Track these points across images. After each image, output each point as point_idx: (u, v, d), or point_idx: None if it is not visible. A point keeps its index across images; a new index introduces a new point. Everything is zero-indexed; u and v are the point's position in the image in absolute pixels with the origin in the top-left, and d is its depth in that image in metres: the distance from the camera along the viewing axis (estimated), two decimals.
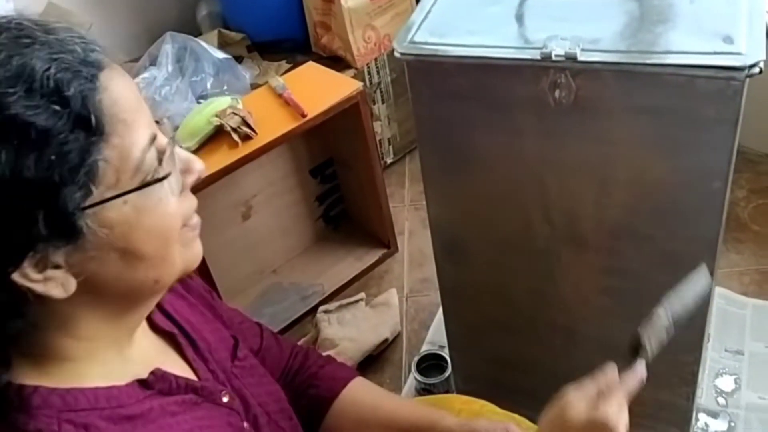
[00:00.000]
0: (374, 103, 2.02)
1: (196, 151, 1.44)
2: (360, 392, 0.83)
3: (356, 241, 1.91)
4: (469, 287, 1.12)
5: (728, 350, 1.39)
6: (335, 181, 1.92)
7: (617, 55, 0.79)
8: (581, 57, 0.80)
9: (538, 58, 0.81)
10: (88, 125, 0.49)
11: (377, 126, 2.04)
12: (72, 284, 0.51)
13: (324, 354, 0.88)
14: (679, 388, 1.03)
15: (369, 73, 1.97)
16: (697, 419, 1.29)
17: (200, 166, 0.62)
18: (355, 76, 1.89)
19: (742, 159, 1.88)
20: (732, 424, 1.27)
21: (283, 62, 1.98)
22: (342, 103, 1.57)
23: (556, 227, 0.96)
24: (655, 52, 0.78)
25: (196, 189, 1.49)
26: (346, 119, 1.64)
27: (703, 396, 1.32)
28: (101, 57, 0.52)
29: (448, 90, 0.90)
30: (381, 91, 2.02)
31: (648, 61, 0.77)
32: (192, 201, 0.63)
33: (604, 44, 0.81)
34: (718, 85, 0.76)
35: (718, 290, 1.52)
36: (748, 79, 0.74)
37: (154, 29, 2.09)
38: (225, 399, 0.66)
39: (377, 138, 2.04)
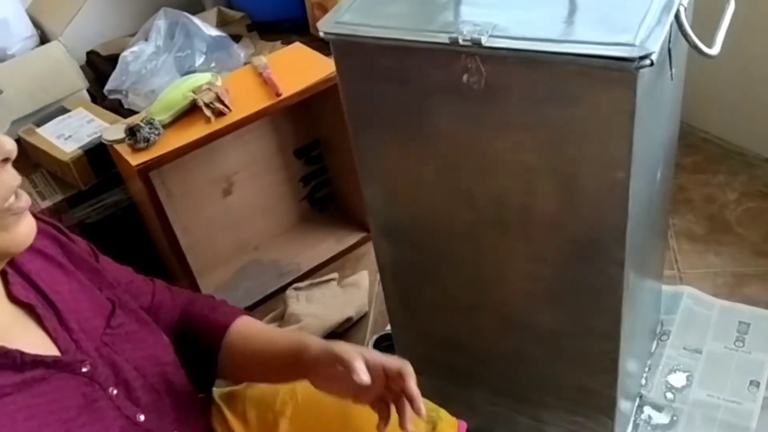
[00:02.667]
0: None
1: (169, 124, 1.52)
2: (241, 332, 0.89)
3: (339, 224, 1.97)
4: (405, 267, 1.17)
5: (687, 348, 1.41)
6: (321, 163, 1.98)
7: (521, 43, 0.82)
8: (486, 42, 0.83)
9: (447, 42, 0.85)
10: None
11: None
12: None
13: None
14: (601, 376, 1.07)
15: None
16: (641, 411, 1.31)
17: (9, 147, 0.61)
18: None
19: (740, 162, 1.89)
20: (675, 418, 1.29)
21: (279, 42, 2.05)
22: (318, 84, 1.62)
23: (479, 212, 1.00)
24: (556, 40, 0.81)
25: (164, 162, 1.56)
26: (330, 101, 1.70)
27: (652, 390, 1.34)
28: None
29: (371, 71, 0.95)
30: None
31: (546, 49, 0.81)
32: (8, 182, 0.61)
33: (513, 32, 0.84)
34: (612, 76, 0.79)
35: (688, 290, 1.53)
36: (642, 71, 0.77)
37: (158, 4, 2.17)
38: (85, 369, 0.69)
39: None
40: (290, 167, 1.93)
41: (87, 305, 0.74)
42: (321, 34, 0.94)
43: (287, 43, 2.05)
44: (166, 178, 1.67)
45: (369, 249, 1.91)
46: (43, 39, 1.83)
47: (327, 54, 1.89)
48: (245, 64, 1.94)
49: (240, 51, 1.97)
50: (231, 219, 1.86)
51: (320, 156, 1.97)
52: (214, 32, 1.90)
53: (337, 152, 1.91)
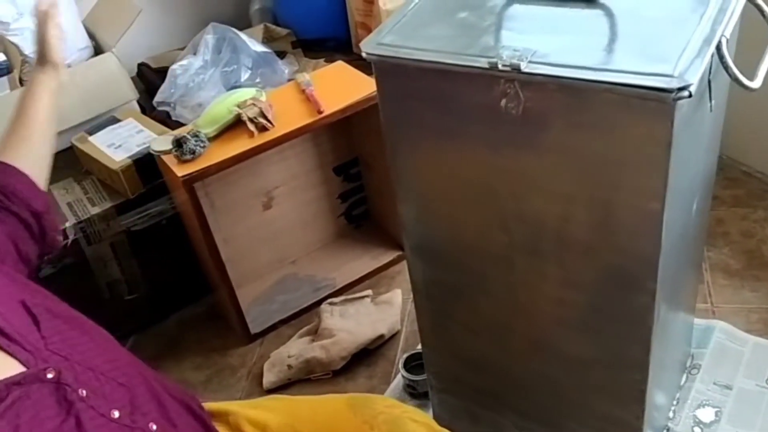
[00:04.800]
0: None
1: (215, 137, 1.56)
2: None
3: (375, 241, 1.99)
4: (438, 287, 1.18)
5: (717, 383, 1.37)
6: (360, 181, 2.00)
7: (559, 69, 0.83)
8: (525, 68, 0.84)
9: (486, 66, 0.86)
10: None
11: None
12: None
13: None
14: (629, 406, 1.05)
15: None
16: None
17: None
18: None
19: None
20: None
21: (322, 60, 2.08)
22: (359, 103, 1.65)
23: (512, 235, 1.01)
24: (594, 68, 0.81)
25: (208, 174, 1.60)
26: (369, 119, 1.72)
27: (680, 424, 1.31)
28: None
29: (411, 93, 0.97)
30: None
31: (585, 77, 0.81)
32: None
33: (552, 58, 0.85)
34: (650, 106, 0.79)
35: (721, 324, 1.50)
36: (680, 102, 0.77)
37: (208, 19, 2.22)
38: (50, 375, 0.69)
39: None
40: (329, 184, 1.96)
41: (10, 312, 0.73)
42: (363, 54, 0.96)
43: (330, 61, 2.09)
44: (210, 190, 1.71)
45: (403, 267, 1.92)
46: (97, 50, 1.90)
47: (369, 73, 1.92)
48: (289, 80, 1.99)
49: (284, 67, 2.00)
50: (270, 232, 1.89)
51: (359, 174, 1.99)
52: (260, 48, 1.94)
53: (375, 171, 1.93)
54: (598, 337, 1.02)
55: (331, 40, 2.18)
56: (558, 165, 0.91)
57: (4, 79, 1.64)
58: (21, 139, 1.01)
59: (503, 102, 0.89)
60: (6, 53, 1.66)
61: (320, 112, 1.61)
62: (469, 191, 1.01)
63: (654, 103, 0.78)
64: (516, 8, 0.98)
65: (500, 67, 0.86)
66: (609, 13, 0.93)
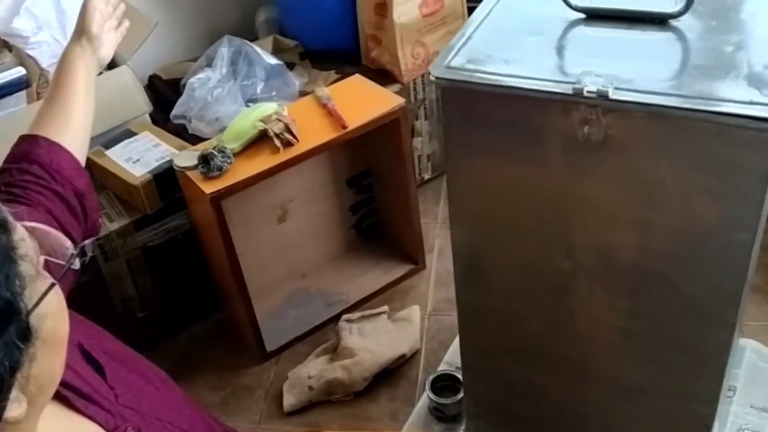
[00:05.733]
0: (417, 119, 2.02)
1: (240, 153, 1.48)
2: (40, 129, 0.88)
3: (385, 254, 1.92)
4: (486, 312, 1.11)
5: (754, 407, 1.34)
6: (370, 193, 1.93)
7: (649, 97, 0.78)
8: (613, 95, 0.79)
9: (570, 93, 0.81)
10: None
11: (417, 141, 2.04)
12: (23, 399, 0.45)
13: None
14: None
15: (414, 88, 1.97)
16: None
17: None
18: (400, 91, 1.91)
19: None
20: None
21: (333, 72, 2.00)
22: (382, 118, 1.58)
23: (576, 263, 0.95)
24: (689, 96, 0.76)
25: (235, 190, 1.52)
26: (385, 133, 1.66)
27: None
28: None
29: (478, 117, 0.90)
30: (425, 108, 2.03)
31: (680, 105, 0.76)
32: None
33: (638, 84, 0.80)
34: (751, 136, 0.74)
35: (751, 344, 1.46)
36: None
37: (214, 31, 2.14)
38: None
39: (416, 153, 2.04)
40: (341, 196, 1.88)
41: (81, 369, 0.65)
42: (432, 78, 0.89)
43: (340, 72, 2.01)
44: (227, 204, 1.61)
45: (417, 282, 1.85)
46: (110, 62, 1.79)
47: (383, 84, 1.86)
48: (300, 92, 1.91)
49: (295, 79, 1.92)
50: (282, 246, 1.81)
51: (370, 185, 1.92)
52: (272, 61, 1.86)
53: (387, 183, 1.86)
54: (664, 368, 0.97)
55: (338, 51, 2.10)
56: (638, 193, 0.85)
57: (23, 93, 1.52)
58: (59, 114, 0.90)
59: (584, 129, 0.83)
60: (24, 67, 1.54)
61: (344, 127, 1.53)
62: (535, 217, 0.95)
63: (753, 133, 0.74)
64: (585, 30, 0.92)
65: (585, 93, 0.80)
66: (682, 37, 0.88)
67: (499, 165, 0.93)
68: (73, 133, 0.89)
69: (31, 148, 0.84)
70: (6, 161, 0.84)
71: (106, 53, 1.01)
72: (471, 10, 1.97)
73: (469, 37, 0.94)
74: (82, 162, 0.90)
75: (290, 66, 2.01)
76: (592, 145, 0.84)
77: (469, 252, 1.05)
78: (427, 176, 2.12)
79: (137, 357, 0.78)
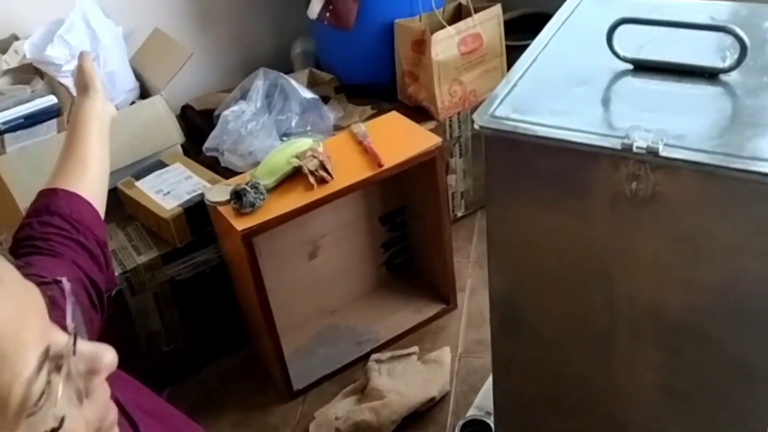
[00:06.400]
0: (451, 156, 2.04)
1: (273, 189, 1.50)
2: (58, 183, 0.89)
3: (416, 293, 1.92)
4: (522, 362, 1.11)
5: None
6: (403, 230, 1.94)
7: (701, 155, 0.78)
8: (663, 152, 0.79)
9: (619, 148, 0.81)
10: None
11: (451, 179, 2.06)
12: None
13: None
14: None
15: (450, 126, 1.99)
16: None
17: (109, 359, 0.49)
18: (436, 128, 1.93)
19: None
20: None
21: (368, 107, 2.03)
22: (419, 157, 1.60)
23: (618, 317, 0.94)
24: (741, 156, 0.76)
25: (267, 228, 1.53)
26: (421, 171, 1.67)
27: None
28: None
29: (523, 166, 0.91)
30: (460, 145, 2.04)
31: (732, 166, 0.76)
32: (101, 402, 0.50)
33: (688, 141, 0.80)
34: None
35: None
36: None
37: (249, 62, 2.19)
38: None
39: (450, 191, 2.05)
40: (374, 232, 1.89)
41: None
42: (476, 126, 0.90)
43: (376, 108, 2.04)
44: (258, 240, 1.64)
45: (448, 322, 1.85)
46: (143, 91, 1.84)
47: (419, 121, 1.88)
48: (335, 126, 1.94)
49: (330, 113, 1.95)
50: (313, 282, 1.82)
51: (403, 222, 1.93)
52: (308, 94, 1.89)
53: (420, 220, 1.87)
54: (706, 427, 0.95)
55: (374, 86, 2.13)
56: (685, 250, 0.85)
57: (54, 121, 1.57)
58: (76, 165, 0.92)
59: (632, 184, 0.83)
60: (56, 95, 1.59)
61: (380, 165, 1.55)
62: (577, 269, 0.95)
63: None
64: (633, 82, 0.93)
65: (635, 149, 0.80)
66: (733, 93, 0.89)
67: (542, 215, 0.94)
68: (90, 183, 0.92)
69: (50, 201, 0.86)
70: (27, 216, 0.87)
71: (109, 103, 1.05)
72: (510, 49, 2.02)
73: (514, 85, 0.95)
74: (101, 212, 0.92)
75: (325, 99, 2.04)
76: (639, 201, 0.84)
77: (507, 301, 1.05)
78: (460, 214, 2.13)
79: (175, 414, 0.79)
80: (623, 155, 0.81)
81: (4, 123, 1.50)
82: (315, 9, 1.91)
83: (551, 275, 0.97)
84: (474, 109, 2.01)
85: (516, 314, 1.06)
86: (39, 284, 0.50)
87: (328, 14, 1.91)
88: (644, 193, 0.83)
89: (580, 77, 0.94)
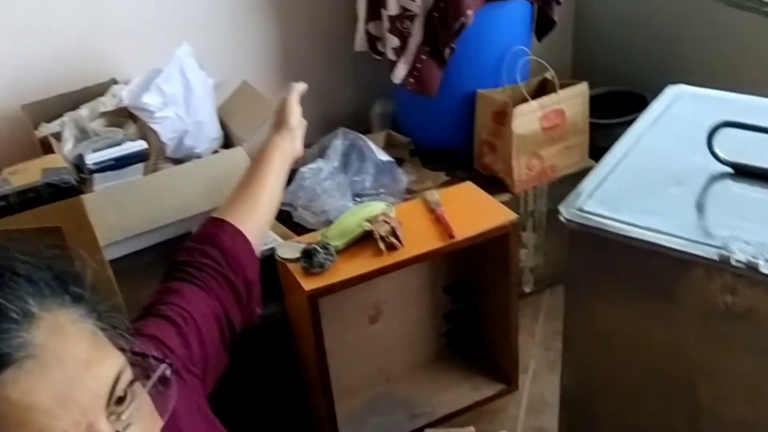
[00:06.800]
0: (524, 230, 2.01)
1: (342, 251, 1.51)
2: (229, 214, 0.94)
3: (476, 369, 1.87)
4: None
5: None
6: (468, 302, 1.91)
7: None
8: (764, 269, 0.75)
9: (715, 259, 0.78)
10: None
11: (522, 253, 2.03)
12: None
13: None
14: None
15: (525, 199, 1.98)
16: None
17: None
18: (510, 201, 1.91)
19: None
20: None
21: (442, 174, 2.04)
22: (491, 232, 1.58)
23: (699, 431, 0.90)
24: None
25: (334, 290, 1.54)
26: (491, 245, 1.65)
27: None
28: (18, 342, 0.45)
29: (608, 265, 0.89)
30: (534, 220, 2.02)
31: None
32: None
33: None
34: None
35: None
36: None
37: (329, 118, 2.25)
38: None
39: (519, 265, 2.02)
40: (437, 302, 1.87)
41: None
42: (561, 218, 0.89)
43: (451, 175, 2.05)
44: (322, 300, 1.64)
45: (507, 404, 1.79)
46: (227, 140, 1.90)
47: (493, 192, 1.87)
48: (407, 190, 1.95)
49: (403, 177, 1.97)
50: (371, 347, 1.80)
51: (468, 294, 1.91)
52: (384, 157, 1.91)
53: (486, 294, 1.84)
54: None
55: (451, 152, 2.14)
56: None
57: (141, 165, 1.64)
58: (248, 201, 0.98)
59: (727, 297, 0.80)
60: (146, 139, 1.67)
61: (451, 237, 1.54)
62: (658, 377, 0.91)
63: None
64: (732, 187, 0.90)
65: (733, 263, 0.77)
66: None
67: (625, 318, 0.90)
68: (256, 222, 0.96)
69: (216, 232, 0.91)
70: (192, 240, 0.92)
71: (300, 145, 1.10)
72: (593, 127, 2.00)
73: (604, 179, 0.93)
74: (258, 250, 0.96)
75: (400, 162, 2.06)
76: (733, 315, 0.80)
77: (579, 403, 1.01)
78: (527, 290, 2.08)
79: None
80: (719, 267, 0.78)
81: (95, 163, 1.57)
82: (399, 74, 1.94)
83: (630, 382, 0.93)
84: (552, 184, 1.99)
85: (587, 418, 1.02)
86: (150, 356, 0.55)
87: (412, 80, 1.94)
88: (739, 308, 0.80)
89: (676, 177, 0.92)
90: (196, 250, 0.89)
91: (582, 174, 1.94)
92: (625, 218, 0.85)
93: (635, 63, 2.35)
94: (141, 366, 0.55)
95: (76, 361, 0.48)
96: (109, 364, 0.50)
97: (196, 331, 0.80)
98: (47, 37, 1.83)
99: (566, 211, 0.88)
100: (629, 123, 1.04)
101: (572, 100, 1.93)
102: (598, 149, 2.01)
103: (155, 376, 0.54)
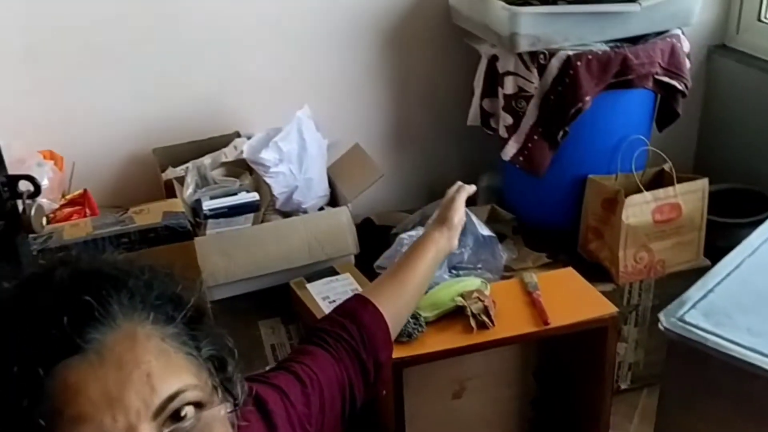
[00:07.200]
0: (625, 324, 1.95)
1: (432, 323, 1.52)
2: (375, 296, 0.99)
3: None
4: None
5: None
6: (558, 391, 1.86)
7: None
8: None
9: None
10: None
11: (621, 347, 1.96)
12: None
13: None
14: None
15: (630, 292, 1.92)
16: None
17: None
18: (613, 291, 1.86)
19: None
20: None
21: (544, 255, 2.02)
22: (589, 323, 1.54)
23: None
24: None
25: (419, 361, 1.55)
26: (588, 336, 1.61)
27: None
28: (91, 338, 0.54)
29: (706, 381, 0.85)
30: (637, 314, 1.95)
31: None
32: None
33: None
34: None
35: None
36: None
37: (434, 187, 2.29)
38: None
39: (617, 359, 1.95)
40: (524, 386, 1.83)
41: None
42: (660, 326, 0.87)
43: (552, 257, 2.02)
44: (407, 369, 1.65)
45: None
46: (332, 197, 1.98)
47: (595, 280, 1.82)
48: (505, 266, 1.94)
49: (503, 253, 1.97)
50: (452, 423, 1.78)
51: (558, 383, 1.85)
52: (485, 231, 1.92)
53: (578, 386, 1.77)
54: None
55: (555, 233, 2.12)
56: None
57: (251, 215, 1.74)
58: (395, 287, 1.06)
59: None
60: (259, 191, 1.77)
61: (546, 324, 1.52)
62: None
63: None
64: None
65: None
66: None
67: None
68: (398, 309, 1.04)
69: (359, 309, 0.99)
70: (335, 311, 1.00)
71: (456, 244, 1.18)
72: (710, 224, 1.93)
73: (711, 290, 0.91)
74: (394, 335, 1.03)
75: (501, 238, 2.06)
76: None
77: None
78: (624, 386, 2.00)
79: None
80: None
81: (210, 210, 1.69)
82: (509, 152, 1.97)
83: None
84: (660, 279, 1.92)
85: None
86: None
87: (521, 158, 1.96)
88: None
89: None
90: (337, 321, 0.96)
91: (694, 273, 1.89)
92: (728, 335, 0.83)
93: (761, 162, 2.26)
94: (229, 400, 0.61)
95: (136, 369, 0.54)
96: (171, 381, 0.56)
97: (319, 394, 0.86)
98: (186, 88, 2.00)
99: (667, 320, 0.86)
100: (750, 224, 1.01)
101: (690, 195, 1.87)
102: (714, 248, 1.93)
103: (223, 405, 0.59)
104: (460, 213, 1.14)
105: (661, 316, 0.87)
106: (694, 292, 0.90)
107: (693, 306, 0.88)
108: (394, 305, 1.01)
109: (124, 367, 0.54)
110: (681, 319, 0.86)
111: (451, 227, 1.13)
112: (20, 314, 0.55)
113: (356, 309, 0.97)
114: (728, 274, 0.93)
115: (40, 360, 0.52)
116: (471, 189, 1.20)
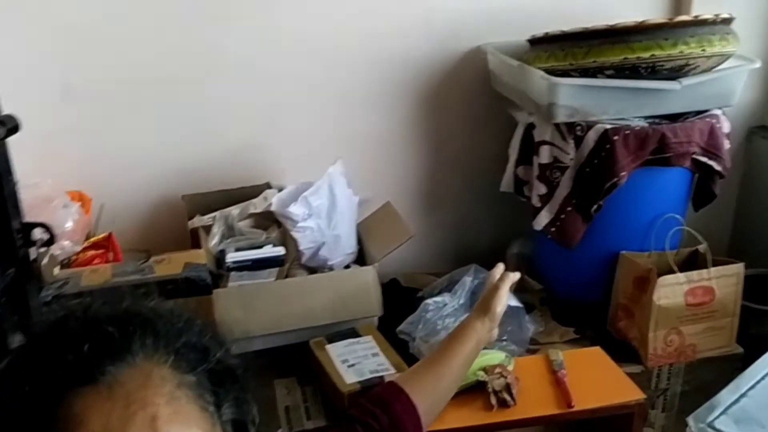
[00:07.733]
0: (652, 408, 1.90)
1: (452, 397, 1.50)
2: (409, 385, 1.00)
3: None
4: None
5: None
6: None
7: None
8: None
9: None
10: None
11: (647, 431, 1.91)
12: None
13: None
14: None
15: (658, 375, 1.88)
16: None
17: None
18: (641, 374, 1.83)
19: None
20: None
21: (572, 330, 2.00)
22: (614, 408, 1.51)
23: None
24: None
25: None
26: (612, 420, 1.57)
27: None
28: (105, 370, 0.55)
29: None
30: (665, 399, 1.91)
31: None
32: None
33: None
34: None
35: None
36: None
37: (463, 251, 2.30)
38: None
39: None
40: None
41: None
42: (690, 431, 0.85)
43: (580, 333, 1.99)
44: None
45: None
46: (360, 255, 1.99)
47: (623, 360, 1.78)
48: (531, 340, 1.92)
49: (530, 325, 1.94)
50: None
51: None
52: (513, 302, 1.90)
53: None
54: None
55: (584, 308, 2.10)
56: None
57: (276, 269, 1.76)
58: (431, 379, 1.06)
59: None
60: (285, 245, 1.79)
61: (570, 406, 1.49)
62: None
63: None
64: None
65: None
66: None
67: None
68: (432, 401, 1.05)
69: (391, 399, 0.99)
70: (367, 397, 1.01)
71: (496, 333, 1.18)
72: (746, 311, 1.89)
73: (744, 394, 0.89)
74: (425, 427, 1.03)
75: (529, 308, 2.05)
76: None
77: None
78: None
79: None
80: None
81: (234, 262, 1.71)
82: (541, 221, 1.97)
83: None
84: (691, 364, 1.88)
85: None
86: None
87: (553, 229, 1.95)
88: None
89: None
90: (368, 410, 0.96)
91: (726, 360, 1.85)
92: None
93: None
94: None
95: (141, 409, 0.54)
96: (177, 429, 0.55)
97: None
98: (220, 137, 2.05)
99: (696, 426, 0.84)
100: None
101: (725, 280, 1.85)
102: (748, 335, 1.90)
103: None
104: (503, 303, 1.14)
105: (690, 420, 0.85)
106: (726, 395, 0.88)
107: (724, 411, 0.86)
108: (429, 397, 1.01)
109: (131, 406, 0.54)
110: (711, 426, 0.84)
111: (494, 318, 1.13)
112: (49, 336, 0.57)
113: (389, 398, 0.97)
114: (763, 378, 0.91)
115: (52, 383, 0.53)
116: (515, 276, 1.19)
